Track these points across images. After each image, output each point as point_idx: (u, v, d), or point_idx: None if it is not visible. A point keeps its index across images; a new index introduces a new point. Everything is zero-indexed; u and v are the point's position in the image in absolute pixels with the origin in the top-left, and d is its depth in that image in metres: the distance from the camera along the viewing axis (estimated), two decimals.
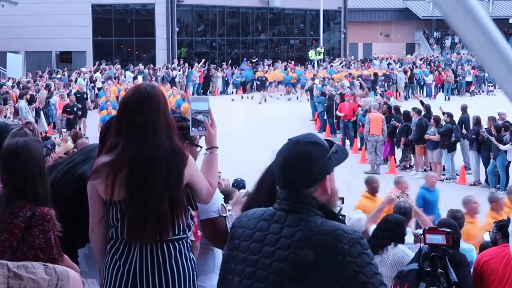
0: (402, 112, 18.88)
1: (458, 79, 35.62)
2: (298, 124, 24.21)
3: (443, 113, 17.62)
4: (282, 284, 2.29)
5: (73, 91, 27.23)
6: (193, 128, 3.24)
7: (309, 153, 2.33)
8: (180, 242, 3.11)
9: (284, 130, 21.62)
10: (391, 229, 5.81)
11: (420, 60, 41.27)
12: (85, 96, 24.56)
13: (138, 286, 3.05)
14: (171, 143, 3.07)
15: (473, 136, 16.43)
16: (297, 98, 32.74)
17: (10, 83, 27.12)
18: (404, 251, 5.78)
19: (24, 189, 3.24)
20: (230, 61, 40.70)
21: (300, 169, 2.34)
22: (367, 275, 2.23)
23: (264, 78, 34.18)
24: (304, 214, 2.32)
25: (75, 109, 22.12)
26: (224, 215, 3.57)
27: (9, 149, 3.36)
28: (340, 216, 2.60)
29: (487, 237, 7.07)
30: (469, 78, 35.87)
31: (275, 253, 2.31)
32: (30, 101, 21.91)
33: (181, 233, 3.12)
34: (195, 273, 3.18)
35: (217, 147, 3.29)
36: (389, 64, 38.96)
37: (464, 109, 18.36)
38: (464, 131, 16.90)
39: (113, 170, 3.05)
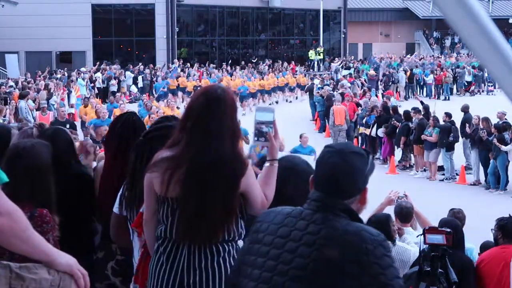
0: (400, 111, 18.91)
1: (457, 79, 35.61)
2: (298, 124, 24.21)
3: (434, 117, 17.54)
4: (302, 280, 2.32)
5: (73, 92, 27.20)
6: (255, 138, 3.20)
7: (356, 165, 2.40)
8: (230, 244, 3.09)
9: (285, 130, 21.59)
10: (378, 229, 5.71)
11: (420, 59, 41.29)
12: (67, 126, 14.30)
13: (185, 286, 3.03)
14: (233, 150, 3.05)
15: (474, 135, 16.41)
16: None
17: (11, 83, 27.09)
18: (404, 247, 5.77)
19: (21, 191, 3.22)
20: (230, 61, 40.68)
21: (348, 180, 2.40)
22: (388, 277, 2.28)
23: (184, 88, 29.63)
24: (330, 214, 2.37)
25: None
26: None
27: (14, 149, 3.37)
28: None
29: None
30: (468, 78, 35.82)
31: (299, 248, 2.35)
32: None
33: (231, 238, 3.10)
34: None
35: (277, 159, 3.24)
36: (389, 64, 38.97)
37: (466, 109, 18.34)
38: (468, 130, 16.86)
39: (172, 165, 3.03)
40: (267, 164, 3.26)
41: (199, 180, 3.02)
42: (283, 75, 33.95)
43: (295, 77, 34.30)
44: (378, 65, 39.13)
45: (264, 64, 39.21)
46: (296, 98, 33.22)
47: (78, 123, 19.95)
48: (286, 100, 32.67)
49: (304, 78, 34.18)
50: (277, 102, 31.04)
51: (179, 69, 33.78)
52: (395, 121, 18.33)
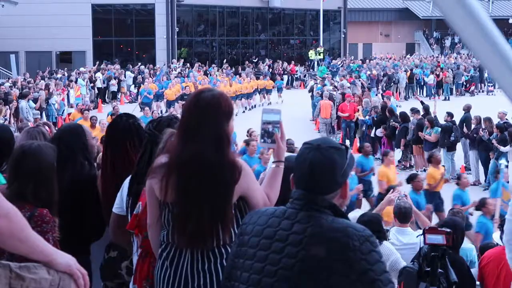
0: (397, 113, 18.88)
1: (454, 80, 35.59)
2: (298, 124, 24.21)
3: (429, 118, 17.52)
4: (291, 279, 2.31)
5: (71, 92, 27.15)
6: (262, 140, 3.16)
7: (334, 159, 2.38)
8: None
9: (285, 131, 21.56)
10: (371, 229, 5.71)
11: (420, 60, 41.27)
12: None
13: None
14: (224, 155, 2.98)
15: (474, 136, 16.40)
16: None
17: (8, 84, 27.06)
18: (389, 248, 5.79)
19: (24, 191, 3.24)
20: (225, 61, 40.62)
21: (327, 175, 2.39)
22: (376, 272, 2.27)
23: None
24: (315, 211, 2.36)
25: None
26: None
27: (19, 150, 3.40)
28: None
29: (496, 237, 7.00)
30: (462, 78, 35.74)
31: (285, 249, 2.34)
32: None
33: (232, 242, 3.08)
34: None
35: (283, 161, 3.19)
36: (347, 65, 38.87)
37: (467, 108, 18.33)
38: (465, 130, 16.84)
39: (167, 171, 3.03)
40: (273, 165, 3.23)
41: (188, 185, 3.00)
42: (235, 81, 30.30)
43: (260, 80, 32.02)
44: (337, 67, 38.77)
45: (265, 64, 39.21)
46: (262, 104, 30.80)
47: None
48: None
49: (264, 81, 32.20)
50: (254, 106, 29.55)
51: (172, 73, 32.07)
52: (394, 123, 18.33)
